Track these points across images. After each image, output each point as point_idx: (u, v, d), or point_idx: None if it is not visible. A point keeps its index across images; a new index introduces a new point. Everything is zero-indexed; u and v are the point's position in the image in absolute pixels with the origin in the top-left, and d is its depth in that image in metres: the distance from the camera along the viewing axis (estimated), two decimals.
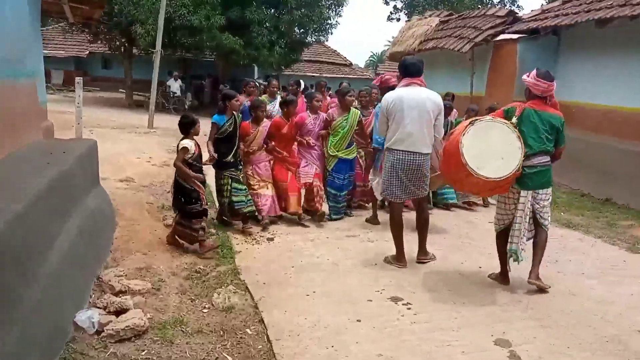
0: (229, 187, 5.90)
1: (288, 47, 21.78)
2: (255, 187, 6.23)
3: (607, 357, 3.50)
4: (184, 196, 5.12)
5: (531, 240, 4.65)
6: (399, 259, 5.10)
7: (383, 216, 6.59)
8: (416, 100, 4.84)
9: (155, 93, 16.11)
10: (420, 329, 3.79)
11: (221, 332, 3.67)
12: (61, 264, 3.57)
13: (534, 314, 4.11)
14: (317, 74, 27.29)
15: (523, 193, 4.45)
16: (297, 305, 4.12)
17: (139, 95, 22.66)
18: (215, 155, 5.70)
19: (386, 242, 5.66)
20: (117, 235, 5.31)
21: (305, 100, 7.23)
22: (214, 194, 6.43)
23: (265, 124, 6.34)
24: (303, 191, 6.63)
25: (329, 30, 24.23)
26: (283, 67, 23.92)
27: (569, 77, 9.84)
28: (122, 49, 22.85)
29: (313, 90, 7.48)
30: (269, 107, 7.72)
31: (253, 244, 5.63)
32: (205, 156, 5.64)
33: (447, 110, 6.40)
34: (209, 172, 5.92)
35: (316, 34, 24.34)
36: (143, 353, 3.31)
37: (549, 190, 4.58)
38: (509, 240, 4.58)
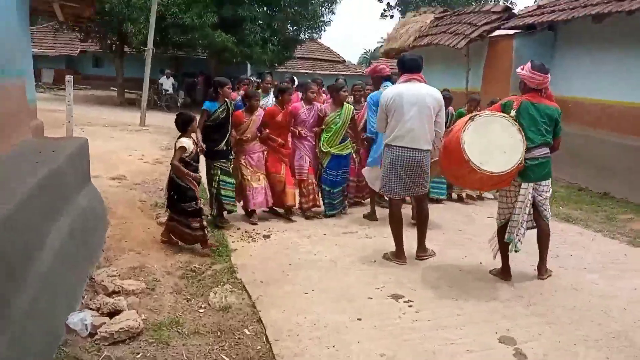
0: (217, 179, 5.79)
1: (281, 45, 21.66)
2: (248, 177, 6.13)
3: (614, 354, 3.43)
4: (179, 194, 5.00)
5: (530, 230, 4.65)
6: (398, 255, 5.01)
7: (380, 212, 6.53)
8: (416, 97, 4.76)
9: (148, 91, 15.96)
10: (422, 327, 3.70)
11: (218, 333, 3.57)
12: (52, 265, 3.45)
13: (538, 310, 4.03)
14: (311, 71, 27.14)
15: (524, 185, 4.43)
16: (296, 303, 4.02)
17: (131, 94, 22.46)
18: (204, 146, 5.48)
19: (384, 239, 5.58)
20: (109, 234, 5.19)
21: (300, 91, 7.12)
22: (206, 184, 6.28)
23: (259, 113, 6.24)
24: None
25: (322, 28, 24.20)
26: (276, 65, 23.79)
27: (565, 73, 9.78)
28: (114, 47, 22.65)
29: (309, 81, 7.33)
30: (262, 102, 7.60)
31: (249, 242, 5.53)
32: None
33: (447, 101, 6.31)
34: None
35: (309, 31, 24.26)
36: (138, 356, 3.21)
37: (549, 181, 4.60)
38: (507, 230, 4.56)
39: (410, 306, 4.03)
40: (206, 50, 22.17)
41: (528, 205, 4.46)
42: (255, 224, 6.07)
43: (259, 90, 8.16)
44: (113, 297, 3.84)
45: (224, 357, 3.28)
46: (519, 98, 4.51)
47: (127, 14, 18.27)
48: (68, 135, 8.58)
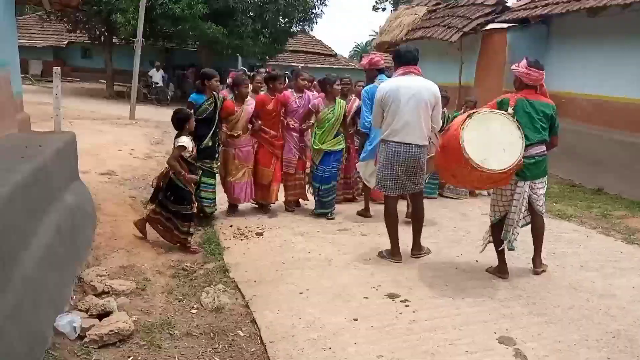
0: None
1: (272, 37, 21.45)
2: (233, 172, 6.03)
3: (615, 355, 3.37)
4: (176, 196, 4.87)
5: (526, 227, 4.63)
6: (393, 253, 4.93)
7: (374, 208, 6.45)
8: (413, 90, 4.65)
9: (137, 83, 15.75)
10: (420, 327, 3.63)
11: (211, 335, 3.48)
12: (38, 265, 3.34)
13: (537, 309, 3.97)
14: (302, 65, 26.94)
15: (520, 184, 4.39)
16: (291, 304, 3.93)
17: (120, 86, 22.19)
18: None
19: (379, 236, 5.51)
20: (98, 232, 5.07)
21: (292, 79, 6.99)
22: None
23: (251, 102, 6.07)
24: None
25: (314, 20, 24.01)
26: (267, 57, 23.62)
27: (559, 67, 9.73)
28: (102, 39, 22.34)
29: (300, 69, 7.18)
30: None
31: (241, 239, 5.42)
32: None
33: (444, 100, 6.20)
34: None
35: (301, 23, 24.09)
36: (129, 359, 3.10)
37: (545, 178, 4.59)
38: (504, 228, 4.51)
39: (407, 306, 3.96)
40: (196, 42, 21.96)
41: (524, 203, 4.43)
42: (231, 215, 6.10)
43: (250, 90, 7.99)
44: (102, 298, 3.74)
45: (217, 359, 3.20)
46: (514, 95, 4.46)
47: (115, 4, 17.99)
48: (56, 129, 8.38)
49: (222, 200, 6.25)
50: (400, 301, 4.03)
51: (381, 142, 4.87)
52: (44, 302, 3.30)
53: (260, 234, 5.58)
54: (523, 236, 4.65)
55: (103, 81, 23.26)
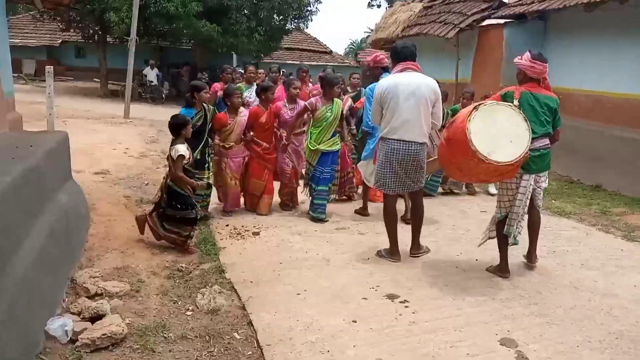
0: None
1: (267, 35, 21.34)
2: (226, 182, 6.00)
3: (619, 356, 3.31)
4: (178, 202, 4.79)
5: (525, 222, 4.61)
6: (392, 252, 4.86)
7: (372, 206, 6.39)
8: (412, 87, 4.56)
9: (131, 82, 15.63)
10: (420, 329, 3.55)
11: (207, 338, 3.40)
12: (30, 268, 3.25)
13: (539, 310, 3.91)
14: (297, 62, 26.83)
15: (525, 177, 4.35)
16: (288, 305, 3.85)
17: (115, 85, 22.03)
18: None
19: (378, 235, 5.44)
20: (92, 233, 4.99)
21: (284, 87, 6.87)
22: None
23: (244, 113, 6.01)
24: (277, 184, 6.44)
25: (309, 17, 23.90)
26: (262, 55, 23.47)
27: (557, 63, 9.62)
28: (96, 37, 22.16)
29: (292, 77, 7.04)
30: (245, 94, 7.37)
31: (238, 239, 5.34)
32: None
33: (443, 95, 6.12)
34: None
35: (296, 20, 23.95)
36: None
37: (547, 172, 4.57)
38: (507, 222, 4.47)
39: (407, 307, 3.88)
40: (191, 40, 21.81)
41: (529, 197, 4.40)
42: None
43: (241, 84, 7.90)
44: (95, 300, 3.66)
45: None
46: (518, 88, 4.40)
47: (109, 3, 17.84)
48: (49, 128, 8.29)
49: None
50: (400, 302, 3.96)
51: (380, 140, 4.79)
52: (35, 305, 3.21)
53: (257, 234, 5.49)
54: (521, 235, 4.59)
55: (97, 80, 23.09)
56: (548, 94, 4.44)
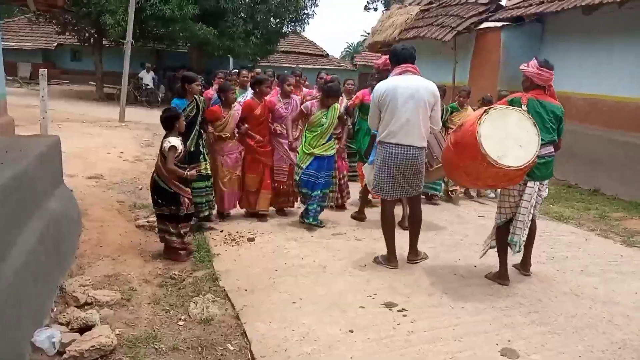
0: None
1: (264, 38, 21.27)
2: (223, 180, 5.90)
3: None
4: (160, 198, 4.67)
5: None
6: (390, 259, 4.77)
7: (369, 212, 6.30)
8: (411, 89, 4.48)
9: (127, 85, 15.53)
10: (419, 339, 3.46)
11: (199, 349, 3.30)
12: (17, 277, 3.15)
13: (540, 318, 3.82)
14: (294, 65, 26.78)
15: (530, 184, 4.30)
16: (283, 314, 3.76)
17: (110, 88, 21.92)
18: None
19: (375, 241, 5.35)
20: (83, 239, 4.89)
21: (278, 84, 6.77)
22: None
23: (237, 107, 5.94)
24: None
25: (305, 20, 23.85)
26: (259, 58, 23.41)
27: (554, 66, 9.61)
28: (92, 41, 22.05)
29: (286, 74, 6.92)
30: (239, 98, 7.26)
31: (232, 245, 5.23)
32: None
33: (441, 93, 6.02)
34: None
35: (292, 24, 23.92)
36: None
37: (548, 180, 4.53)
38: (511, 231, 4.41)
39: (405, 315, 3.79)
40: (187, 43, 21.75)
41: (534, 204, 4.35)
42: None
43: (236, 87, 7.80)
44: (85, 310, 3.56)
45: None
46: (525, 95, 4.34)
47: (105, 6, 17.74)
48: (42, 132, 8.18)
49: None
50: (398, 310, 3.87)
51: (378, 144, 4.70)
52: (22, 315, 3.11)
53: (252, 240, 5.39)
54: None
55: (93, 83, 23.02)
56: (554, 102, 4.40)
